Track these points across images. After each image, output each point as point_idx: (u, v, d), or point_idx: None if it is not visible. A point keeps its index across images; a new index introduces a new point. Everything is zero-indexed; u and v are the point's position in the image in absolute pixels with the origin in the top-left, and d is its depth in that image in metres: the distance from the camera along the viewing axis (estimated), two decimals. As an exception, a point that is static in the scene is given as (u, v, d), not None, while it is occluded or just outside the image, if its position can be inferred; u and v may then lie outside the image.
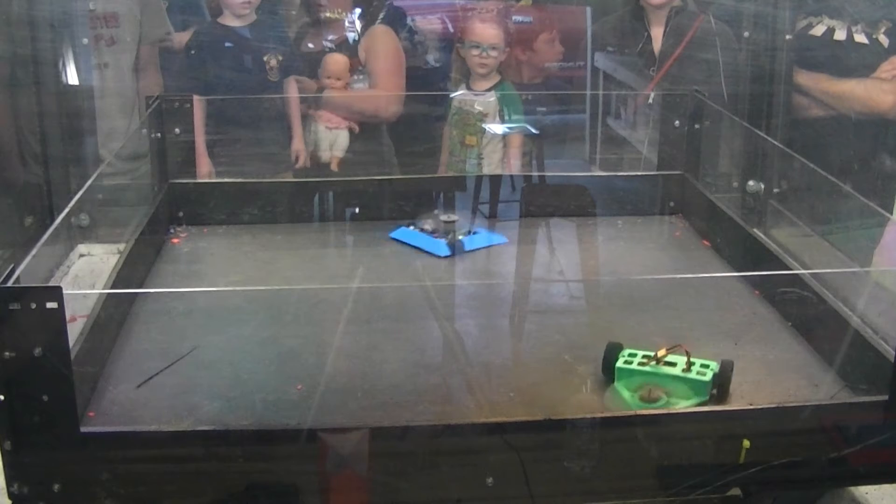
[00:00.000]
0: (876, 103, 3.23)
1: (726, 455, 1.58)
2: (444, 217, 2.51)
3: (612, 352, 1.79)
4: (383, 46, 3.58)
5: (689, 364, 1.73)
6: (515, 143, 3.61)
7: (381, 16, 3.59)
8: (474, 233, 2.50)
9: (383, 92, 3.56)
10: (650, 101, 3.48)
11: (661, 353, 1.76)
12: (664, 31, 3.49)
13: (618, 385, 1.74)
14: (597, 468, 1.56)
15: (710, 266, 2.37)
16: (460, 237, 2.45)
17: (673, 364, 1.74)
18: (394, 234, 2.50)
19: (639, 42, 3.56)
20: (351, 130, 3.52)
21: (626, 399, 1.71)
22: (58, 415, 1.45)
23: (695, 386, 1.71)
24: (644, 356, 1.77)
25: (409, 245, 2.45)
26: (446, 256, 2.39)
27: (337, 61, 3.51)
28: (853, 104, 3.23)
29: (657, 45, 3.50)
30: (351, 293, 2.14)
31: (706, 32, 3.38)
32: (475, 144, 3.54)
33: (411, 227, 2.51)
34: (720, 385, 1.72)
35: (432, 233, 2.46)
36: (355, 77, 3.56)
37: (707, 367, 1.73)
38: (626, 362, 1.76)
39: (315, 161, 3.50)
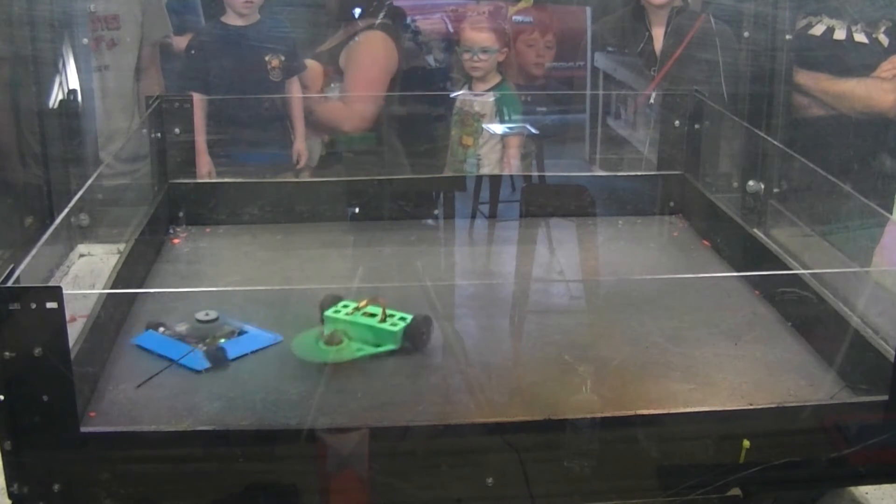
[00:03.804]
0: (876, 103, 3.23)
1: (726, 455, 1.58)
2: (199, 315, 1.93)
3: (327, 302, 1.95)
4: (364, 55, 3.54)
5: (385, 315, 1.89)
6: (514, 143, 3.62)
7: (380, 16, 3.59)
8: (240, 333, 1.91)
9: (354, 103, 3.55)
10: (651, 101, 3.48)
11: (361, 304, 1.93)
12: (665, 31, 3.49)
13: (302, 334, 1.88)
14: (597, 468, 1.56)
15: (710, 266, 2.37)
16: (221, 341, 1.89)
17: (372, 315, 1.90)
18: (138, 341, 1.90)
19: (639, 42, 3.56)
20: (322, 140, 3.53)
21: (311, 345, 1.84)
22: (58, 415, 1.45)
23: (385, 335, 1.86)
24: (352, 307, 1.93)
25: (158, 355, 1.86)
26: (202, 371, 1.80)
27: (310, 68, 3.50)
28: (853, 104, 3.23)
29: (658, 44, 3.50)
30: (351, 293, 2.14)
31: (706, 32, 3.38)
32: (472, 145, 3.55)
33: (161, 330, 1.92)
34: (412, 337, 1.86)
35: (184, 337, 1.90)
36: (332, 85, 3.56)
37: (403, 319, 1.88)
38: (335, 311, 1.92)
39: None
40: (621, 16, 3.74)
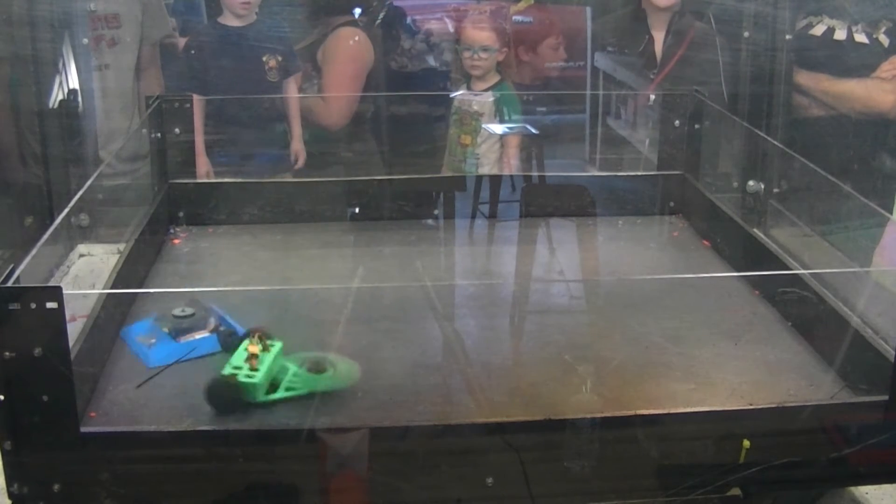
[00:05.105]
0: (876, 103, 3.23)
1: (726, 455, 1.58)
2: (176, 311, 1.96)
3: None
4: (340, 52, 3.56)
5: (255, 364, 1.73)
6: (513, 143, 3.62)
7: (380, 16, 3.60)
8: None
9: (331, 101, 3.57)
10: (650, 102, 3.48)
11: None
12: (666, 34, 3.49)
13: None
14: (597, 468, 1.56)
15: (710, 266, 2.37)
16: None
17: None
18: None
19: (640, 43, 3.56)
20: None
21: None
22: (58, 415, 1.45)
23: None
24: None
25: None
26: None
27: None
28: (853, 104, 3.23)
29: (659, 47, 3.49)
30: (351, 293, 2.14)
31: (704, 34, 3.38)
32: (470, 144, 3.55)
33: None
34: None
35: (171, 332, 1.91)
36: (313, 82, 3.57)
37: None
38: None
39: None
40: (621, 16, 3.74)
